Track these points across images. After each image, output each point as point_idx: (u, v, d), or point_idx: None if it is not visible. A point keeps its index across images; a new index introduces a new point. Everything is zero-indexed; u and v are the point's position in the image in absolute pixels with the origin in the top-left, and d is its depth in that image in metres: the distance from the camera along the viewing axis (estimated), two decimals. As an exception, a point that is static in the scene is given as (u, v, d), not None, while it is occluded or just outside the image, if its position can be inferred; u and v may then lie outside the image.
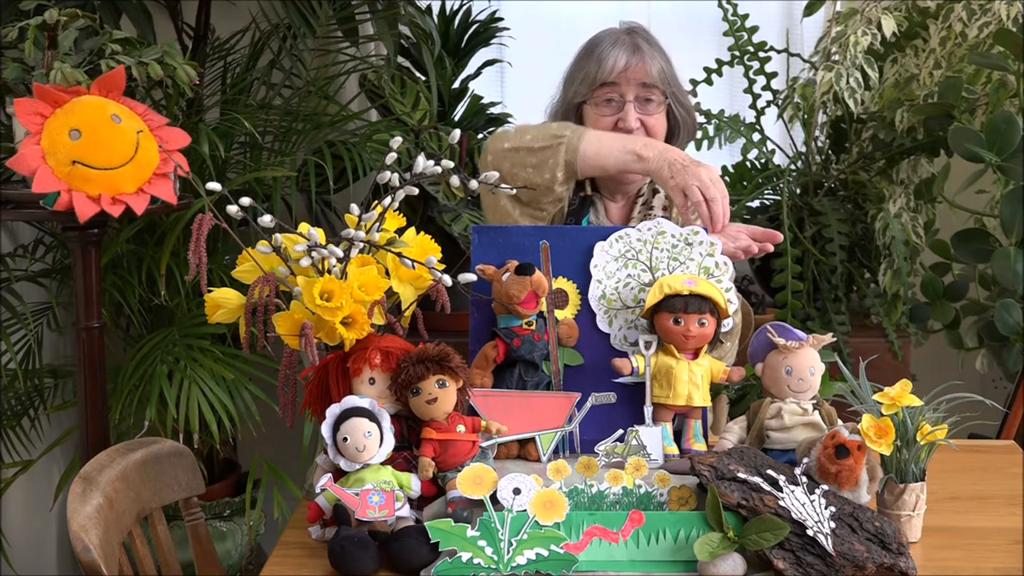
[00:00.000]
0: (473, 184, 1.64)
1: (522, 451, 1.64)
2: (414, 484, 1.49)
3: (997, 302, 2.45)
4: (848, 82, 2.49)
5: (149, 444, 1.71)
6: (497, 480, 1.40)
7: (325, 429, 1.47)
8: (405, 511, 1.45)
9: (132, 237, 2.48)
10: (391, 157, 1.59)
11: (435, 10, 2.91)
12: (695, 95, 2.81)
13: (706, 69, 2.81)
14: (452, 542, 1.35)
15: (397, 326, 1.61)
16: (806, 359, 1.55)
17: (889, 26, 2.52)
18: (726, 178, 2.91)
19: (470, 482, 1.41)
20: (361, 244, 1.56)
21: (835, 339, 2.13)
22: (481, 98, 2.95)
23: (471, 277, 1.62)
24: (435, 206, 2.65)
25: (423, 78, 2.83)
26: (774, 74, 2.78)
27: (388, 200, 1.59)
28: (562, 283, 1.72)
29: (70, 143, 1.84)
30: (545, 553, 1.34)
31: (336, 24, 2.82)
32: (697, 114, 2.80)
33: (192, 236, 1.53)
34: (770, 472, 1.39)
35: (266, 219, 1.55)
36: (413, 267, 1.57)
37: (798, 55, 2.82)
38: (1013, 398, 2.58)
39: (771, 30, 2.96)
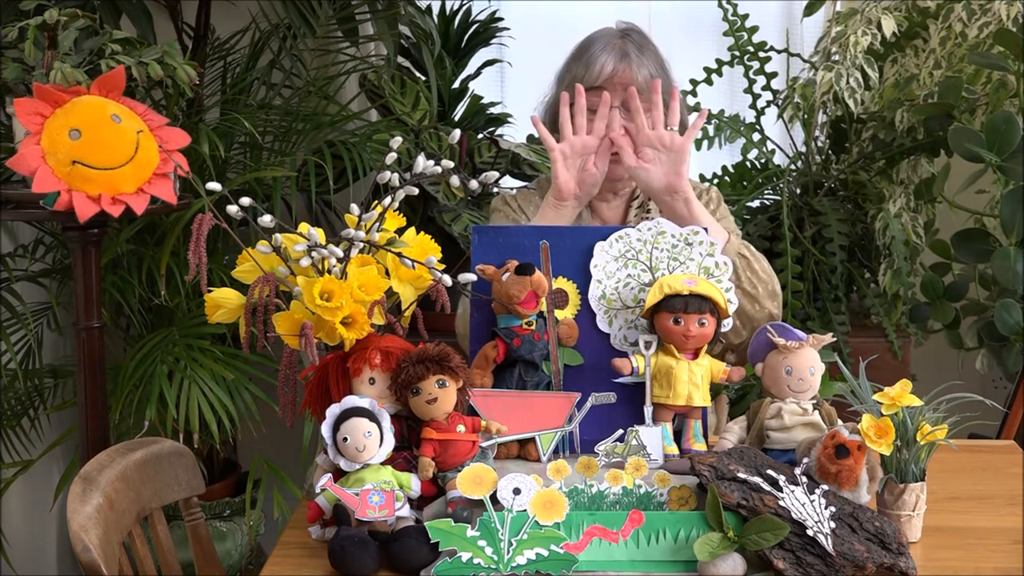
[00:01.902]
0: (473, 184, 1.64)
1: (522, 451, 1.64)
2: (414, 484, 1.49)
3: (997, 302, 2.44)
4: (848, 82, 2.49)
5: (149, 444, 1.71)
6: (497, 480, 1.40)
7: (325, 429, 1.47)
8: (405, 511, 1.45)
9: (132, 237, 2.48)
10: (391, 157, 1.59)
11: (435, 10, 2.91)
12: (695, 95, 2.82)
13: (706, 69, 2.81)
14: (452, 542, 1.35)
15: (397, 326, 1.61)
16: (806, 359, 1.55)
17: (889, 26, 2.52)
18: (726, 178, 2.92)
19: (470, 482, 1.41)
20: (361, 244, 1.56)
21: (835, 339, 2.13)
22: (481, 98, 2.95)
23: (471, 277, 1.62)
24: (435, 206, 2.65)
25: (423, 78, 2.83)
26: (774, 74, 2.78)
27: (388, 200, 1.59)
28: (562, 283, 1.72)
29: (70, 143, 1.84)
30: (545, 553, 1.34)
31: (336, 24, 2.82)
32: (695, 114, 2.81)
33: (192, 236, 1.53)
34: (770, 472, 1.39)
35: (266, 219, 1.55)
36: (413, 267, 1.57)
37: (798, 55, 2.81)
38: (1013, 398, 2.58)
39: (771, 30, 2.96)
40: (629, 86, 1.98)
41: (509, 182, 2.80)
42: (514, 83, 3.14)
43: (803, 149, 2.83)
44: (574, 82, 2.02)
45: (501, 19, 2.93)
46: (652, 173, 1.93)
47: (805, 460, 1.44)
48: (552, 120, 2.13)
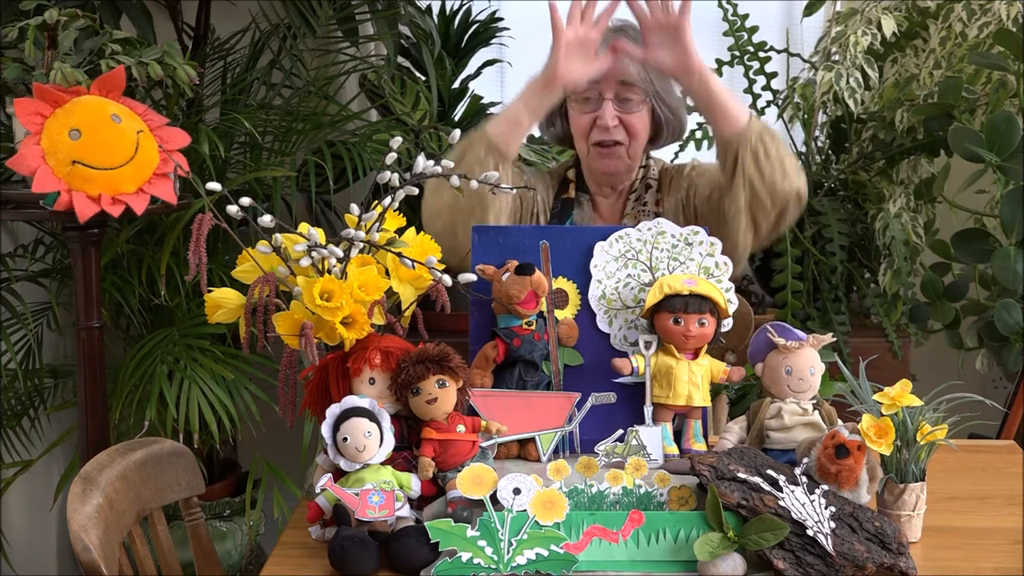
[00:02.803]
0: (473, 184, 1.64)
1: (522, 451, 1.64)
2: (414, 484, 1.49)
3: (997, 302, 2.44)
4: (848, 82, 2.49)
5: (149, 444, 1.71)
6: (497, 480, 1.40)
7: (325, 429, 1.47)
8: (405, 511, 1.45)
9: (132, 237, 2.48)
10: (391, 157, 1.59)
11: (435, 10, 2.91)
12: (695, 95, 2.81)
13: (706, 69, 2.81)
14: (452, 542, 1.35)
15: (397, 326, 1.61)
16: (806, 359, 1.55)
17: (889, 26, 2.52)
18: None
19: (470, 482, 1.41)
20: (361, 244, 1.56)
21: (835, 339, 2.13)
22: (481, 98, 2.95)
23: (471, 277, 1.62)
24: (435, 206, 2.65)
25: (423, 78, 2.83)
26: (774, 74, 2.78)
27: (388, 200, 1.59)
28: (562, 283, 1.72)
29: (70, 143, 1.84)
30: (545, 553, 1.34)
31: (336, 24, 2.82)
32: (696, 114, 2.81)
33: (192, 236, 1.53)
34: (770, 472, 1.39)
35: (266, 219, 1.55)
36: (413, 267, 1.57)
37: (798, 55, 2.82)
38: (1013, 398, 2.58)
39: (771, 30, 2.96)
40: (622, 78, 1.99)
41: (509, 182, 2.80)
42: (514, 83, 3.13)
43: (803, 149, 2.83)
44: None
45: (501, 19, 2.93)
46: (661, 56, 1.94)
47: (805, 460, 1.44)
48: (547, 118, 2.13)
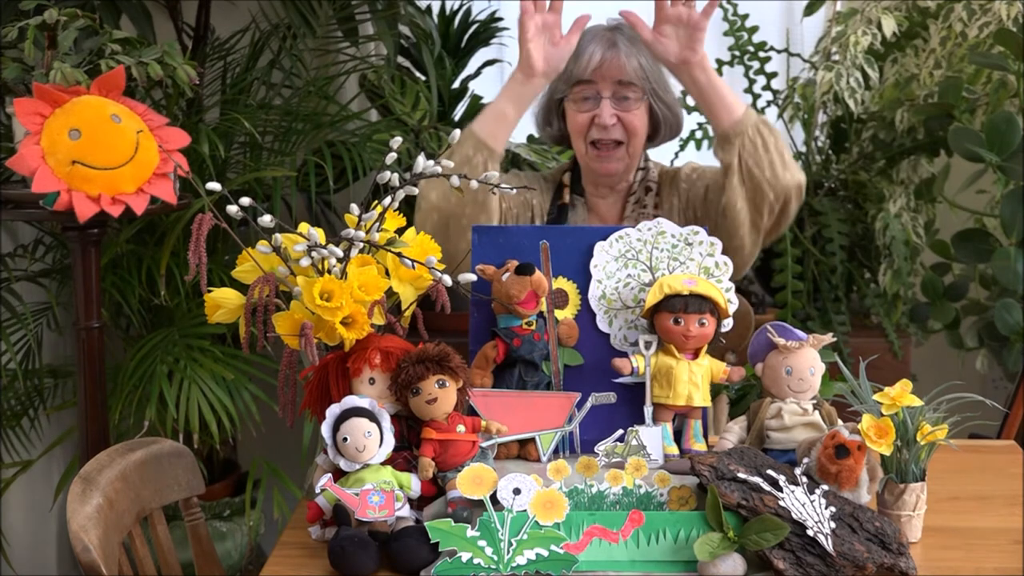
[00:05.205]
0: (473, 184, 1.64)
1: (522, 451, 1.64)
2: (414, 484, 1.49)
3: (997, 302, 2.45)
4: (848, 82, 2.49)
5: (149, 444, 1.71)
6: (497, 480, 1.40)
7: (325, 429, 1.47)
8: (405, 511, 1.45)
9: (132, 237, 2.48)
10: (391, 157, 1.59)
11: (435, 10, 2.91)
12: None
13: (706, 69, 2.81)
14: (452, 542, 1.35)
15: (397, 326, 1.61)
16: (806, 359, 1.55)
17: (889, 26, 2.52)
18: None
19: (470, 482, 1.41)
20: (361, 244, 1.56)
21: (835, 339, 2.13)
22: (481, 98, 2.95)
23: (471, 277, 1.62)
24: (435, 206, 2.65)
25: (423, 78, 2.83)
26: (774, 74, 2.78)
27: (388, 200, 1.59)
28: (562, 283, 1.72)
29: (70, 143, 1.84)
30: (545, 553, 1.34)
31: (336, 24, 2.83)
32: (695, 113, 2.81)
33: (192, 236, 1.53)
34: (770, 472, 1.39)
35: (266, 219, 1.55)
36: (413, 267, 1.57)
37: (798, 55, 2.82)
38: (1013, 398, 2.58)
39: (771, 30, 2.96)
40: (619, 77, 1.99)
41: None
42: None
43: (803, 149, 2.83)
44: (564, 76, 2.04)
45: (501, 19, 2.94)
46: (668, 46, 1.95)
47: (805, 460, 1.44)
48: (544, 117, 2.14)
